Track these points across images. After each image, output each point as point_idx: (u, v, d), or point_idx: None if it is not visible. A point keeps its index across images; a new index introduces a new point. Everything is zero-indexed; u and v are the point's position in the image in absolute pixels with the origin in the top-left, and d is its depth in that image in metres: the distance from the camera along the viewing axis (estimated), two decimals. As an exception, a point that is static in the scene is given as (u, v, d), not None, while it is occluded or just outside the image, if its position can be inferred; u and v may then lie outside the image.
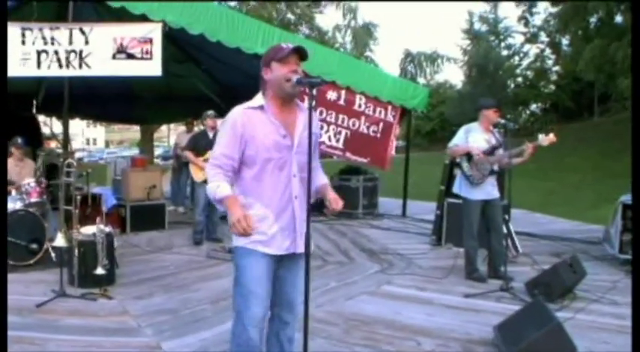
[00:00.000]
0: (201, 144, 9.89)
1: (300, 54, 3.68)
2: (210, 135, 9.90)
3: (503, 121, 7.56)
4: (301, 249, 3.70)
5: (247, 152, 3.67)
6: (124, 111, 17.68)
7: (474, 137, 7.62)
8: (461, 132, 7.78)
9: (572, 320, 5.86)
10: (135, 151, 37.70)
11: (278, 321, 3.91)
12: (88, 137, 78.62)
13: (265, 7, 32.28)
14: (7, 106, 7.56)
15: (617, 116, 32.08)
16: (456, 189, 7.90)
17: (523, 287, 6.86)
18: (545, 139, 7.09)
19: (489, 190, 7.56)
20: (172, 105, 16.60)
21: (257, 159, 3.66)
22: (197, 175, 9.88)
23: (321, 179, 4.01)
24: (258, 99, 3.75)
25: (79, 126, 53.42)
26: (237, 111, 3.71)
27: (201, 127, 11.02)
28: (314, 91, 3.51)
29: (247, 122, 3.66)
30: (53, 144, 19.06)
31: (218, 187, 3.59)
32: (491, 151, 7.51)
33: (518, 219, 11.31)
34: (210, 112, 10.20)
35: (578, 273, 6.84)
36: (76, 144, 47.17)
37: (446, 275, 7.76)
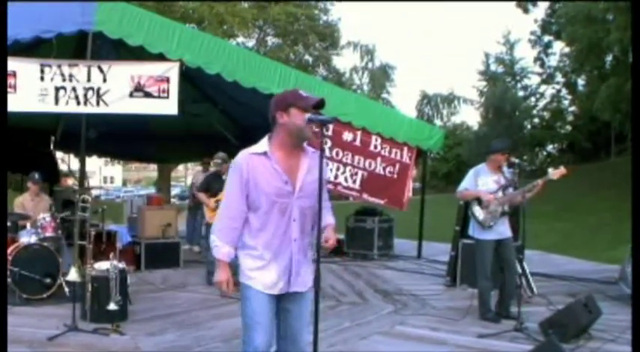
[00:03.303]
0: (214, 187, 9.89)
1: (319, 106, 3.77)
2: (224, 177, 9.90)
3: (517, 161, 7.57)
4: (296, 288, 3.88)
5: (251, 197, 3.81)
6: (141, 149, 17.83)
7: (484, 180, 7.62)
8: (470, 176, 7.76)
9: (588, 360, 5.80)
10: (152, 190, 37.90)
11: None
12: (105, 175, 79.22)
13: (283, 49, 32.60)
14: (6, 120, 7.65)
15: (634, 156, 31.87)
16: (470, 232, 7.87)
17: (537, 327, 6.77)
18: (555, 173, 7.08)
19: (502, 230, 7.52)
20: (189, 145, 16.73)
21: (260, 205, 3.80)
22: (210, 216, 9.79)
23: (328, 219, 4.10)
24: (263, 144, 3.83)
25: (96, 164, 53.86)
26: (243, 157, 3.82)
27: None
28: (325, 130, 3.59)
29: (251, 168, 3.77)
30: (70, 182, 19.18)
31: (216, 246, 3.86)
32: (501, 191, 7.51)
33: (534, 260, 11.21)
34: (218, 160, 10.16)
35: (594, 313, 6.76)
36: (93, 182, 47.45)
37: (462, 315, 7.66)
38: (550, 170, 7.19)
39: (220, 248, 3.83)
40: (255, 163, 3.76)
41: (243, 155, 3.82)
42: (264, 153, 3.77)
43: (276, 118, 3.77)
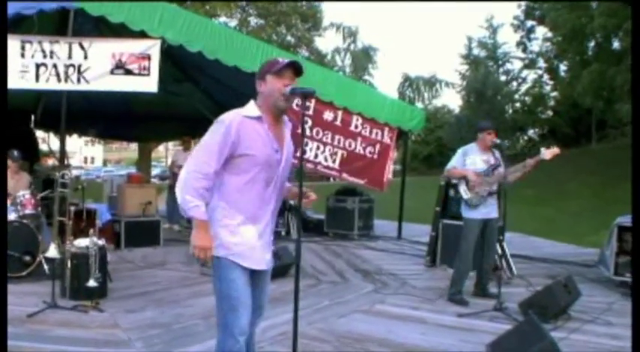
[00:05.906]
0: None
1: (296, 69, 3.69)
2: None
3: (499, 141, 7.58)
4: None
5: (238, 161, 3.64)
6: (122, 128, 17.69)
7: (472, 159, 7.58)
8: (458, 155, 7.72)
9: (566, 340, 5.83)
10: (132, 170, 37.71)
11: None
12: (85, 156, 78.70)
13: (265, 30, 32.39)
14: (6, 110, 7.57)
15: (615, 142, 32.13)
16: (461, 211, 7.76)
17: (517, 307, 6.82)
18: (548, 153, 7.02)
19: (488, 210, 7.49)
20: (170, 124, 16.63)
21: (248, 171, 3.65)
22: None
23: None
24: (254, 109, 3.71)
25: (76, 144, 53.38)
26: (235, 117, 3.65)
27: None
28: (307, 102, 3.56)
29: (243, 131, 3.60)
30: (51, 162, 19.05)
31: (196, 206, 3.52)
32: (491, 171, 7.50)
33: (515, 242, 11.29)
34: None
35: (573, 294, 6.81)
36: (73, 162, 47.04)
37: (441, 295, 7.69)
38: (543, 149, 7.14)
39: (200, 207, 3.53)
40: (248, 128, 3.62)
41: (237, 115, 3.67)
42: (259, 118, 3.67)
43: (257, 88, 3.74)
